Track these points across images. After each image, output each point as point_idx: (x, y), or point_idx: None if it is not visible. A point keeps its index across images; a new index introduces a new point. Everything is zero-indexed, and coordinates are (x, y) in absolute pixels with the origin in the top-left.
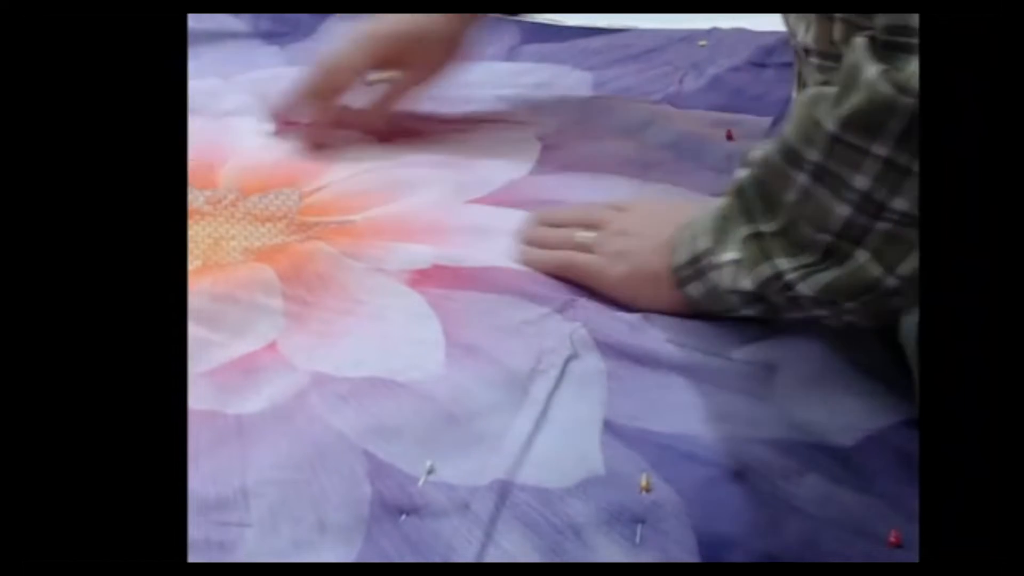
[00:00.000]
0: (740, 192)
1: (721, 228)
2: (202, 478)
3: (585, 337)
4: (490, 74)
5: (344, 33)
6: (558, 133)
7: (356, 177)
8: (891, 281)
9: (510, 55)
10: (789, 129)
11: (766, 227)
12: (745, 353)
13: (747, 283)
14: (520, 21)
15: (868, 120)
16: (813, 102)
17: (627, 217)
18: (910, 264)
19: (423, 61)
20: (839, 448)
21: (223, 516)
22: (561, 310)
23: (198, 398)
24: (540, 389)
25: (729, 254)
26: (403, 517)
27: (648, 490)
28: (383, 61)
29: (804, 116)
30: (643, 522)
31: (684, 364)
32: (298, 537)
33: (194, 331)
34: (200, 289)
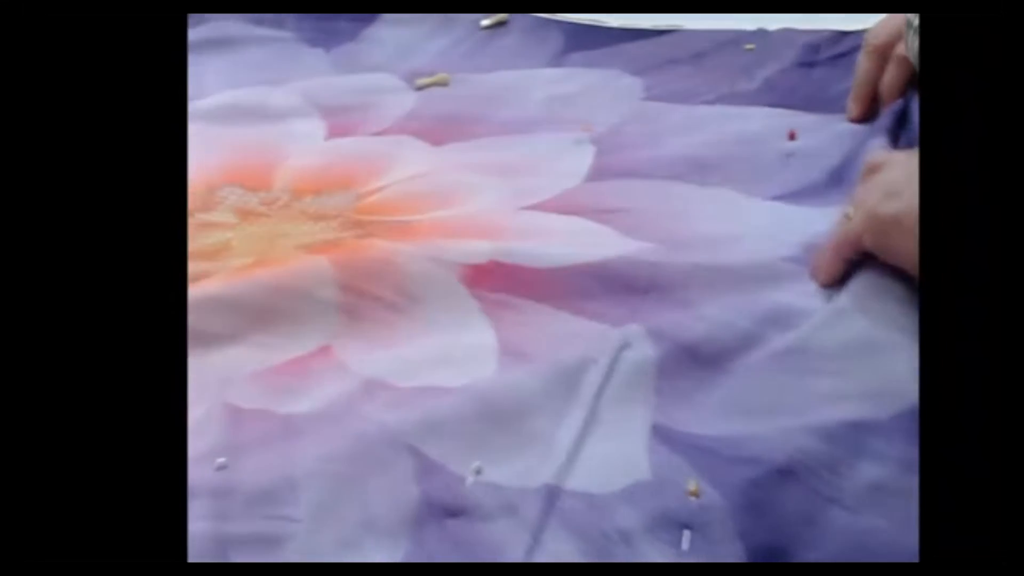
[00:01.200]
0: None
1: None
2: (250, 472)
3: (639, 331)
4: (538, 78)
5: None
6: (611, 138)
7: (411, 181)
8: None
9: (556, 60)
10: None
11: None
12: (792, 338)
13: None
14: (562, 23)
15: None
16: None
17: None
18: None
19: None
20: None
21: (271, 510)
22: (618, 324)
23: (249, 397)
24: (589, 384)
25: None
26: (450, 520)
27: (696, 495)
28: None
29: None
30: (690, 528)
31: (737, 363)
32: (344, 535)
33: (246, 329)
34: (253, 281)
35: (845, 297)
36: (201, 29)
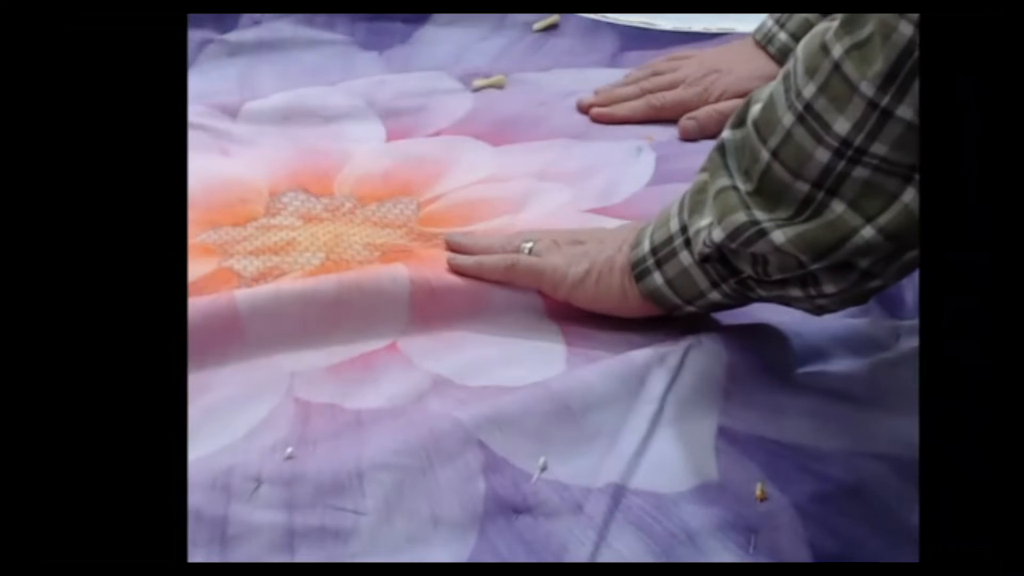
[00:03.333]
0: (720, 149)
1: (698, 196)
2: (318, 464)
3: (706, 333)
4: (595, 80)
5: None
6: (672, 143)
7: (472, 187)
8: (869, 233)
9: (613, 61)
10: (795, 61)
11: (743, 184)
12: (863, 365)
13: (718, 233)
14: (616, 25)
15: (867, 50)
16: (824, 29)
17: (574, 232)
18: (890, 217)
19: None
20: None
21: (338, 501)
22: (686, 332)
23: (319, 391)
24: (657, 383)
25: (706, 218)
26: (517, 516)
27: (763, 499)
28: None
29: (812, 43)
30: (757, 531)
31: (806, 367)
32: (411, 531)
33: (316, 324)
34: (327, 279)
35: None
36: (253, 31)
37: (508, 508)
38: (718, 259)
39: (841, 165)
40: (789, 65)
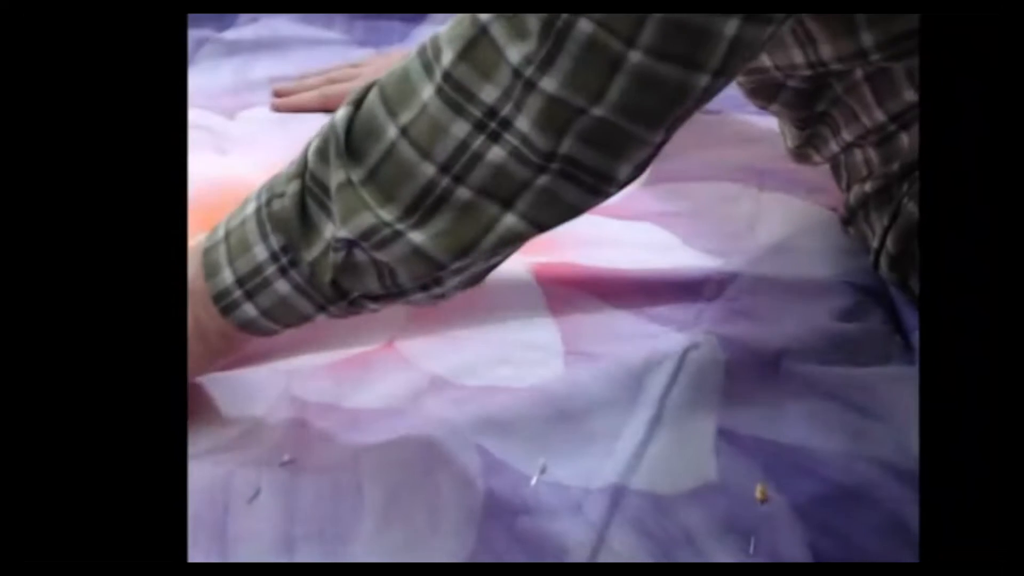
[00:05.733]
0: (324, 139)
1: (299, 209)
2: (316, 470)
3: (707, 332)
4: None
5: None
6: (668, 144)
7: None
8: (511, 221)
9: None
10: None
11: (355, 173)
12: (863, 367)
13: (345, 232)
14: None
15: (512, 19)
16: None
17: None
18: (531, 201)
19: None
20: None
21: (336, 507)
22: (682, 329)
23: (316, 390)
24: (655, 385)
25: (323, 231)
26: (516, 517)
27: (764, 500)
28: None
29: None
30: (756, 533)
31: (806, 371)
32: (410, 533)
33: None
34: None
35: None
36: (251, 28)
37: (507, 510)
38: (332, 282)
39: (478, 142)
40: (427, 38)
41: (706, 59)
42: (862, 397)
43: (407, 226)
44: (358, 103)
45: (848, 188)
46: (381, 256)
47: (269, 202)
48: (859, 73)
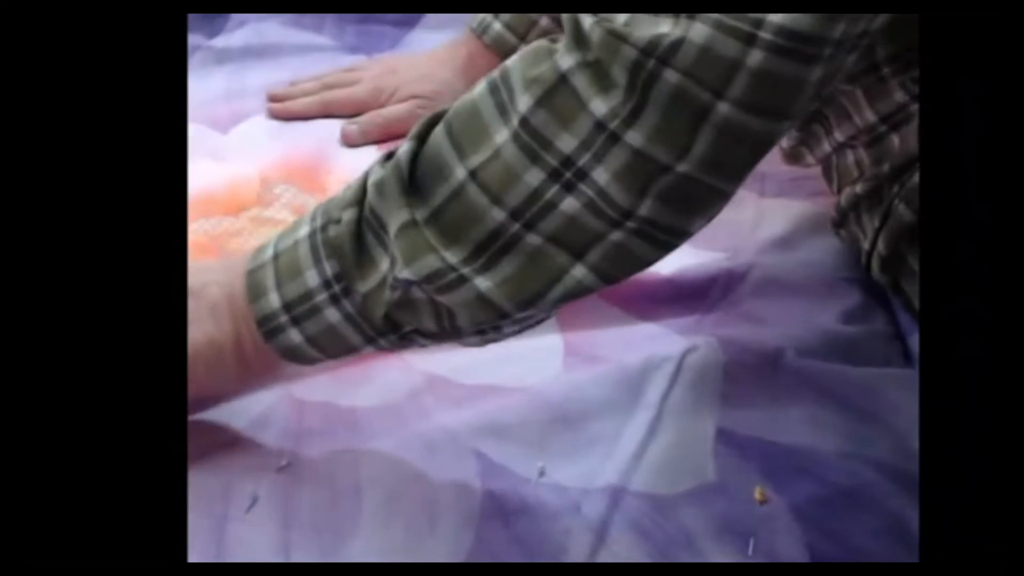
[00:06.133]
0: (391, 172)
1: (355, 238)
2: (314, 472)
3: (707, 334)
4: None
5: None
6: None
7: None
8: (580, 272)
9: None
10: (507, 70)
11: (419, 212)
12: (863, 369)
13: (408, 273)
14: None
15: (596, 68)
16: (550, 43)
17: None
18: (601, 254)
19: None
20: None
21: (335, 512)
22: (682, 331)
23: (313, 389)
24: (655, 386)
25: (381, 264)
26: (515, 518)
27: (763, 501)
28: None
29: (534, 51)
30: (755, 534)
31: (805, 373)
32: (408, 534)
33: None
34: None
35: None
36: (240, 33)
37: (505, 510)
38: (386, 317)
39: (552, 192)
40: (496, 74)
41: (793, 108)
42: (862, 399)
43: (472, 270)
44: (422, 138)
45: (839, 190)
46: (443, 300)
47: (325, 227)
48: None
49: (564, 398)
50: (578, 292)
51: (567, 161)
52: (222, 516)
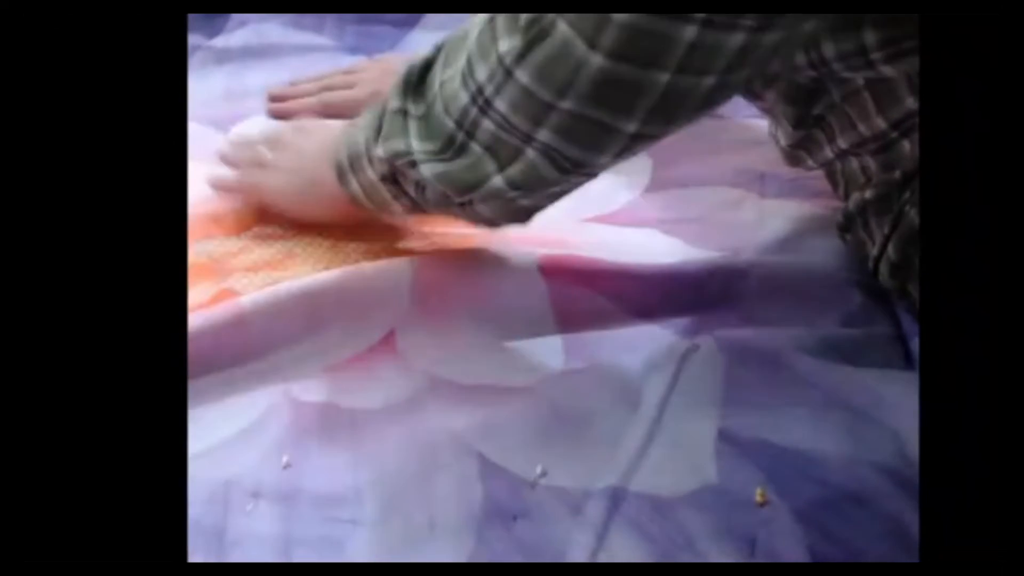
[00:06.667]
0: (408, 71)
1: (380, 114)
2: (315, 473)
3: (708, 335)
4: None
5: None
6: (668, 150)
7: None
8: (498, 182)
9: None
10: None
11: (413, 108)
12: (864, 371)
13: (380, 151)
14: None
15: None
16: None
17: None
18: (518, 170)
19: None
20: None
21: (335, 512)
22: (683, 332)
23: (313, 390)
24: (655, 389)
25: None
26: (515, 520)
27: (763, 503)
28: None
29: None
30: (756, 536)
31: (806, 374)
32: (409, 536)
33: (316, 309)
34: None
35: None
36: (240, 34)
37: (506, 512)
38: (391, 179)
39: (475, 112)
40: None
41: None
42: (863, 400)
43: (426, 157)
44: (440, 47)
45: (846, 195)
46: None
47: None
48: (860, 80)
49: (564, 398)
50: (497, 195)
51: (480, 89)
52: (222, 516)
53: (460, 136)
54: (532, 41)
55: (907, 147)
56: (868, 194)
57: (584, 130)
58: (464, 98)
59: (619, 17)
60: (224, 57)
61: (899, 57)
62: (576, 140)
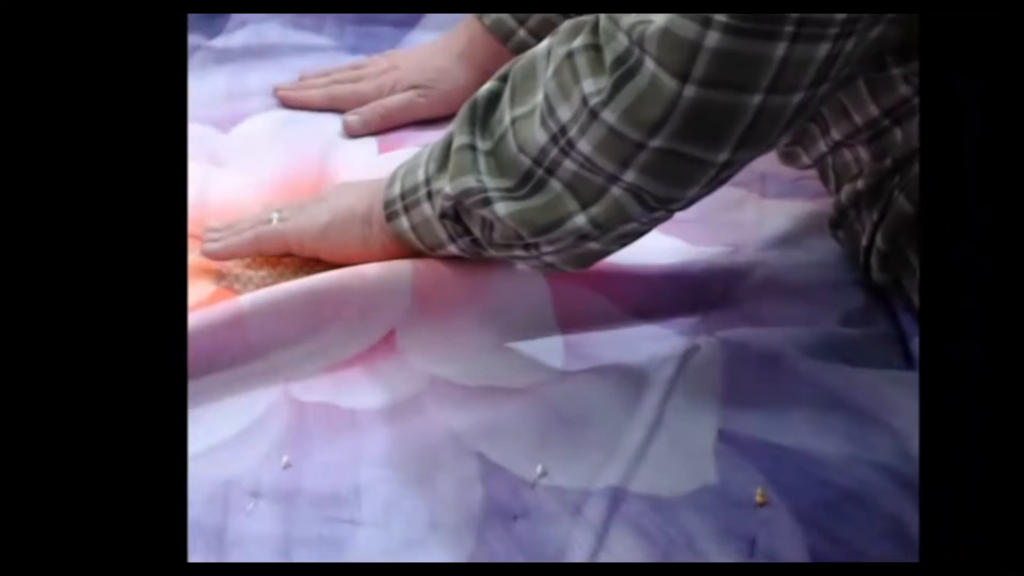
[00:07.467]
0: (472, 104)
1: (446, 148)
2: (315, 473)
3: (709, 335)
4: None
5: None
6: None
7: None
8: (580, 220)
9: None
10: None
11: (481, 144)
12: (864, 372)
13: (448, 188)
14: None
15: (594, 52)
16: (584, 20)
17: (321, 192)
18: (602, 209)
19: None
20: None
21: (335, 513)
22: (684, 332)
23: (314, 391)
24: (655, 389)
25: (446, 177)
26: (515, 520)
27: (763, 503)
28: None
29: (565, 28)
30: (756, 536)
31: (807, 374)
32: (410, 536)
33: (317, 309)
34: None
35: None
36: (240, 34)
37: (506, 513)
38: (453, 217)
39: (554, 152)
40: (553, 39)
41: (758, 82)
42: (863, 400)
43: (499, 196)
44: (504, 78)
45: (838, 189)
46: (481, 213)
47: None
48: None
49: (564, 398)
50: (578, 234)
51: (563, 129)
52: (222, 516)
53: (539, 172)
54: (620, 81)
55: (899, 135)
56: (860, 184)
57: (673, 166)
58: (543, 138)
59: (708, 43)
60: (224, 57)
61: (907, 61)
62: (665, 177)
